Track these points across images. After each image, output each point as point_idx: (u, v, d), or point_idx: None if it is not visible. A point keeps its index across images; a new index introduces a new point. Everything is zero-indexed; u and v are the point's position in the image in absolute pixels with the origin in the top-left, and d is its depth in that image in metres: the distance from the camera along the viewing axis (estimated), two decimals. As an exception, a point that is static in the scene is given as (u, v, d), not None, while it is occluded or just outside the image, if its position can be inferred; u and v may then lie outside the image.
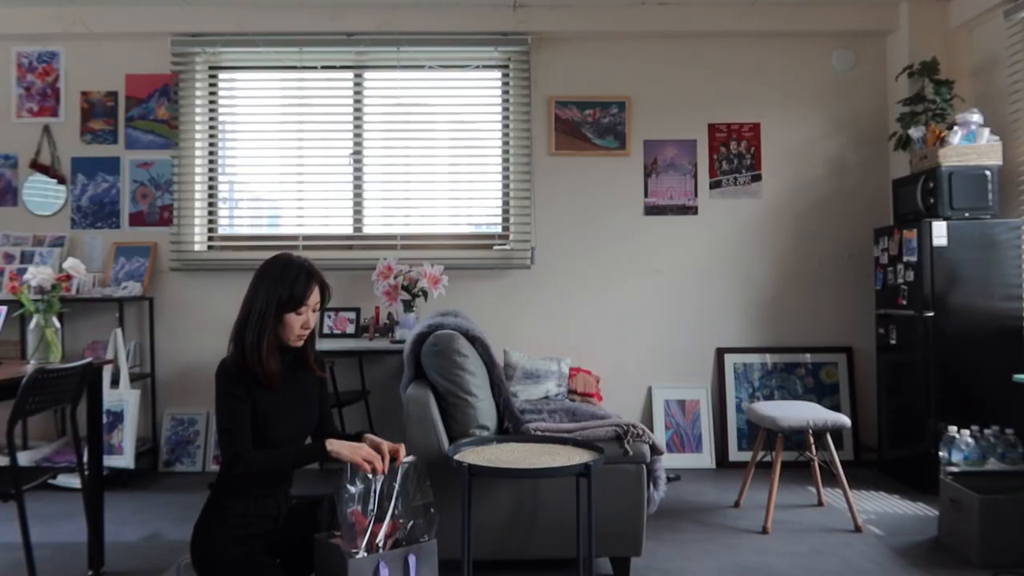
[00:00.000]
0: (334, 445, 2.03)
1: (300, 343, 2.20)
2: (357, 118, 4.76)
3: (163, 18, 4.62)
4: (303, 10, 4.61)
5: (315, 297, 2.18)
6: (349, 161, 4.74)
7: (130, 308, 4.63)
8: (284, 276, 2.13)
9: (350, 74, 4.77)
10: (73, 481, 4.04)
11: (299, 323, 2.15)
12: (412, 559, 2.08)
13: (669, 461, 4.53)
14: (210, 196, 4.81)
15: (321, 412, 2.31)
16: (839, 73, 4.80)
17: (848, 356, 4.71)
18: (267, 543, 2.16)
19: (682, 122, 4.77)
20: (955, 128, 4.02)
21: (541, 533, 2.70)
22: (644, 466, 2.75)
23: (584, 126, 4.74)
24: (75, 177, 4.71)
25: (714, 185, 4.77)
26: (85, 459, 2.91)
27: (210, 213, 4.81)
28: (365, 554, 1.93)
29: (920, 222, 3.96)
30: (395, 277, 4.20)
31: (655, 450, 2.83)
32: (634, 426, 2.78)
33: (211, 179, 4.81)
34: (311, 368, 2.29)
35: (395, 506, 2.03)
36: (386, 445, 2.08)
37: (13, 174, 4.71)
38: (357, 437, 2.22)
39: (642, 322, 4.74)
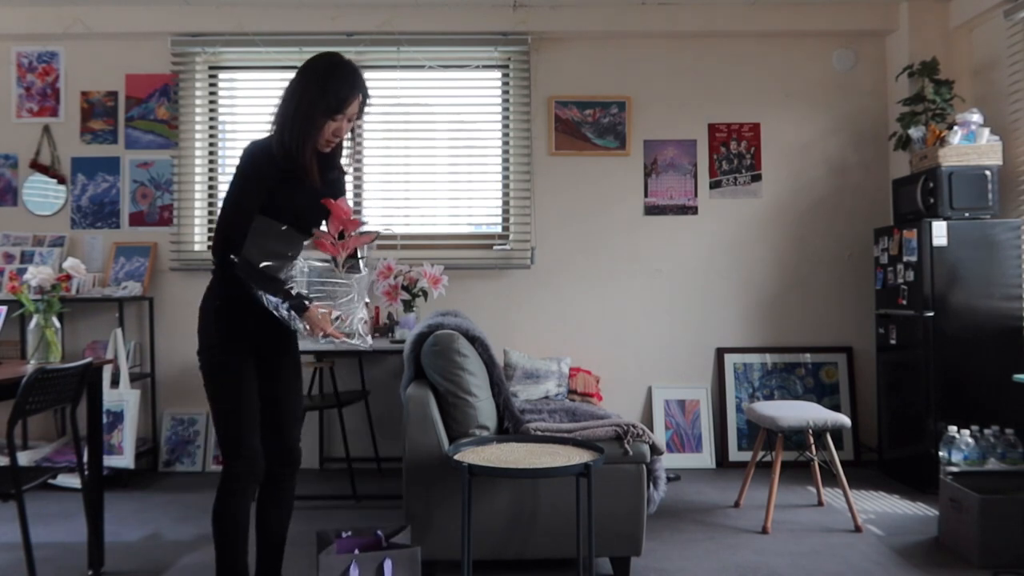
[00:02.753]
0: (311, 315, 2.05)
1: (327, 149, 2.20)
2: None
3: (163, 18, 4.62)
4: (303, 10, 4.61)
5: (354, 108, 2.16)
6: (349, 161, 4.74)
7: (130, 308, 4.63)
8: (329, 79, 2.12)
9: (350, 74, 4.76)
10: (73, 481, 4.04)
11: (330, 130, 2.15)
12: (388, 564, 2.08)
13: (669, 461, 4.53)
14: (210, 196, 4.81)
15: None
16: (839, 73, 4.80)
17: (848, 356, 4.71)
18: (251, 334, 2.22)
19: (682, 122, 4.77)
20: (955, 128, 4.02)
21: (541, 533, 2.70)
22: (644, 466, 2.75)
23: (584, 126, 4.74)
24: (75, 177, 4.71)
25: (714, 185, 4.77)
26: (85, 459, 2.91)
27: (210, 213, 4.81)
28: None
29: (920, 222, 3.96)
30: (395, 277, 4.20)
31: (655, 450, 2.83)
32: (634, 426, 2.78)
33: (211, 179, 4.81)
34: (335, 170, 2.30)
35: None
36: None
37: (13, 174, 4.71)
38: None
39: (642, 322, 4.74)
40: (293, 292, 2.07)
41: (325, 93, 2.09)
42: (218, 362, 2.18)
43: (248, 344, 2.21)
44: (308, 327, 2.06)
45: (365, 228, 2.23)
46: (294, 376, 2.37)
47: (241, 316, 2.18)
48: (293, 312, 2.05)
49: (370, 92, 2.21)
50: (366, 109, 2.24)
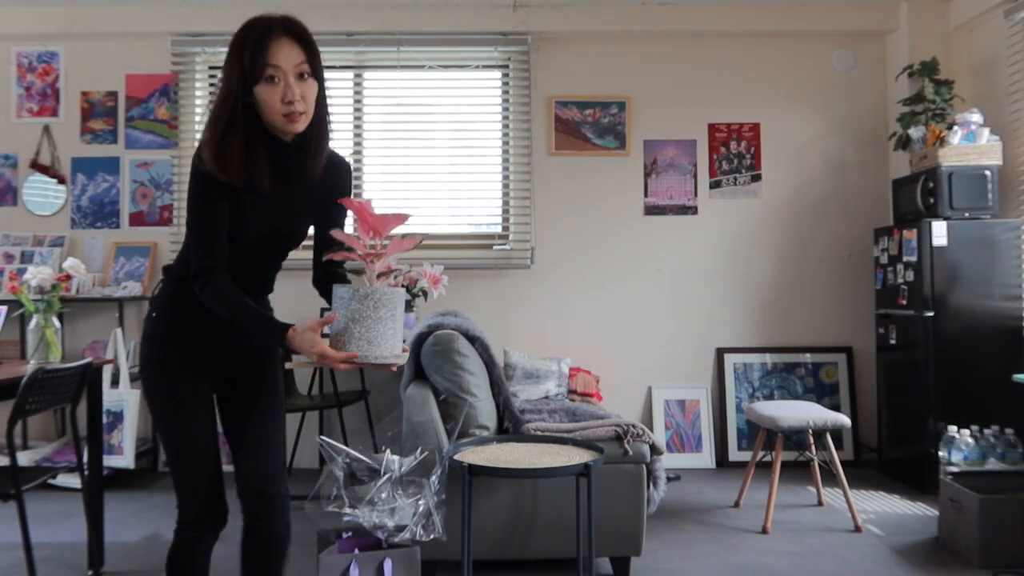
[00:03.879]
0: (295, 339, 1.58)
1: (294, 126, 1.68)
2: (357, 118, 4.75)
3: (163, 18, 4.62)
4: (302, 10, 4.55)
5: (289, 55, 1.64)
6: (348, 161, 4.74)
7: (130, 308, 4.63)
8: (240, 42, 1.66)
9: (350, 74, 4.77)
10: (73, 481, 4.03)
11: (276, 96, 1.64)
12: (388, 563, 2.07)
13: (669, 461, 4.53)
14: (210, 196, 4.80)
15: (327, 221, 1.82)
16: (839, 73, 4.80)
17: (848, 356, 4.71)
18: (207, 363, 1.82)
19: (682, 122, 4.76)
20: (955, 128, 4.02)
21: (541, 533, 2.70)
22: (644, 466, 2.75)
23: (584, 126, 4.74)
24: (75, 177, 4.71)
25: (714, 185, 4.77)
26: (85, 459, 2.91)
27: (210, 213, 4.80)
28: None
29: (920, 222, 3.96)
30: (395, 277, 4.19)
31: (655, 450, 2.83)
32: (634, 426, 2.78)
33: (211, 179, 4.80)
34: (315, 166, 1.78)
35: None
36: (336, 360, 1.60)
37: (13, 174, 4.71)
38: None
39: (642, 322, 4.74)
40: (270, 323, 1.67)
41: (239, 56, 1.64)
42: (158, 388, 1.79)
43: (201, 370, 1.82)
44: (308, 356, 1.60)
45: (404, 229, 1.73)
46: (267, 407, 1.90)
47: (196, 340, 1.79)
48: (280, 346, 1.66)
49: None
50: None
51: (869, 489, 4.04)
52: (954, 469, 3.28)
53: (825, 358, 4.71)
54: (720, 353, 4.73)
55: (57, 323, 2.97)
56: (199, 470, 1.79)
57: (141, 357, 1.83)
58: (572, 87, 4.75)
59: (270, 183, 1.70)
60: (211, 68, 4.77)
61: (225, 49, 1.69)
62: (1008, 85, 4.16)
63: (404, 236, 1.67)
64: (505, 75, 4.77)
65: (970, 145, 3.99)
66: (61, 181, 4.70)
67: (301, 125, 1.69)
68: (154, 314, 1.82)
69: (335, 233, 1.66)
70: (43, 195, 4.71)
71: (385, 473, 2.03)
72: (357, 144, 4.76)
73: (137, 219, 4.71)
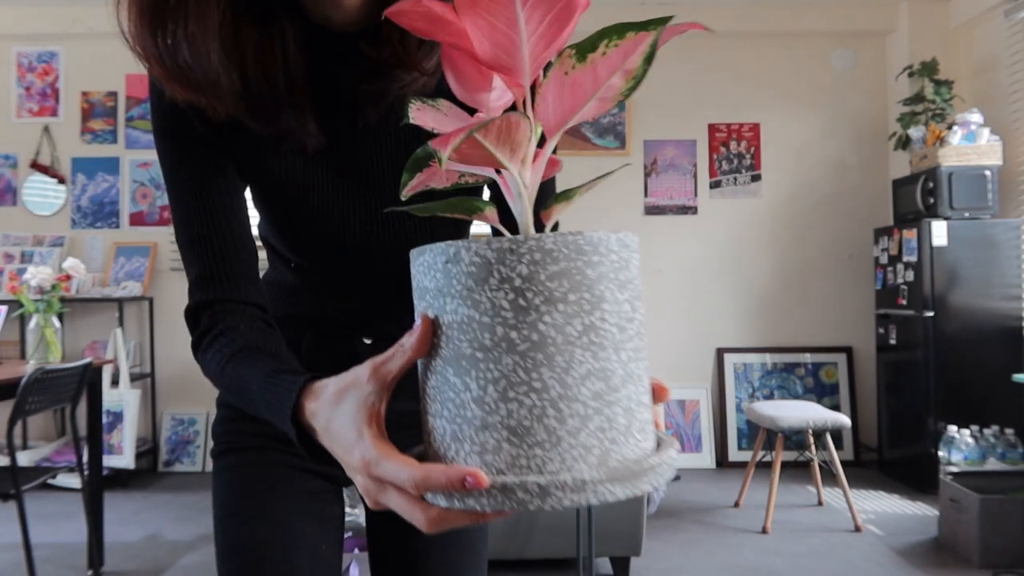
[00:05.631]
0: (314, 426, 0.62)
1: (353, 9, 0.73)
2: (357, 118, 4.74)
3: (163, 18, 4.62)
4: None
5: None
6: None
7: (130, 308, 4.63)
8: None
9: (350, 74, 4.76)
10: (73, 481, 4.03)
11: None
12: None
13: (669, 461, 4.53)
14: (210, 196, 4.81)
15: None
16: (839, 73, 4.80)
17: (848, 356, 4.71)
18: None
19: (682, 122, 4.76)
20: (955, 128, 4.02)
21: (541, 533, 2.70)
22: (644, 466, 2.75)
23: (584, 126, 4.74)
24: (75, 177, 4.71)
25: (714, 185, 4.77)
26: (85, 459, 2.91)
27: (210, 213, 4.81)
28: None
29: (920, 222, 3.96)
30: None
31: (655, 450, 2.83)
32: (634, 426, 2.78)
33: (211, 179, 4.80)
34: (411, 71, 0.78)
35: None
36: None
37: (13, 174, 4.71)
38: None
39: (642, 322, 4.73)
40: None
41: None
42: (218, 484, 0.92)
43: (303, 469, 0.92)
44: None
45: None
46: (445, 543, 0.94)
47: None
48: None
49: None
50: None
51: (869, 489, 4.04)
52: (954, 469, 3.29)
53: (825, 358, 4.71)
54: (720, 353, 4.72)
55: (57, 323, 2.97)
56: None
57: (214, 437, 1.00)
58: (572, 87, 4.74)
59: (310, 118, 0.78)
60: (211, 68, 4.77)
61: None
62: (1008, 85, 4.16)
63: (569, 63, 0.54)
64: (505, 75, 4.76)
65: (970, 145, 3.99)
66: (61, 181, 4.70)
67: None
68: None
69: (413, 110, 0.58)
70: (43, 195, 4.71)
71: None
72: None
73: (137, 219, 4.71)
